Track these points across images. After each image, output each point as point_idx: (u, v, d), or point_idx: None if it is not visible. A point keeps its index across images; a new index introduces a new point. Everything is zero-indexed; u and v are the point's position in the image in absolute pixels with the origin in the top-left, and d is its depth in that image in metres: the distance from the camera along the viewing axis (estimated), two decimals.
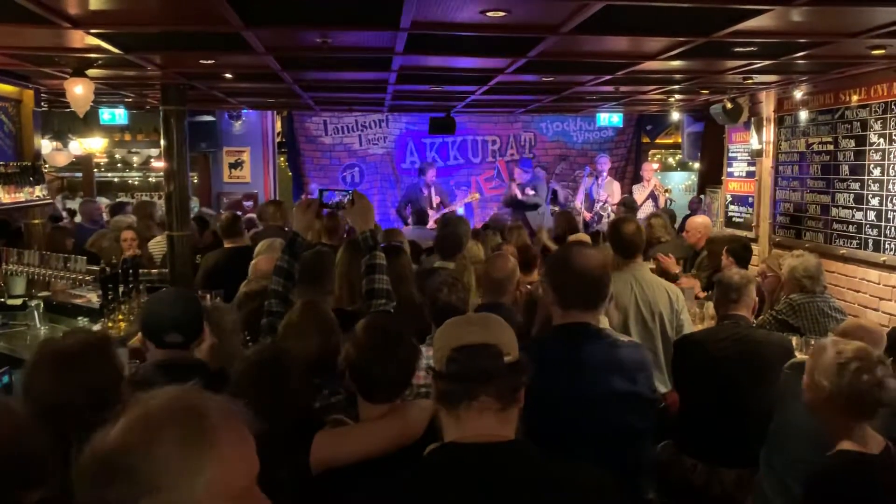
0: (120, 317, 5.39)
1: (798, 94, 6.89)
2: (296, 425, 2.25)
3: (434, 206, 10.19)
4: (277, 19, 4.07)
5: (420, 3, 3.64)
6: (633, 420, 2.39)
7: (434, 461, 1.64)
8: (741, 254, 5.63)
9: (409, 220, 10.23)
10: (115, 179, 15.52)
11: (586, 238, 6.39)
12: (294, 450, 2.17)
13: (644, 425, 2.45)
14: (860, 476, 2.19)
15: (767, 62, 5.37)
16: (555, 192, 11.26)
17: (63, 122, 11.25)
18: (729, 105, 7.73)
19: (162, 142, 6.85)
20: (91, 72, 5.74)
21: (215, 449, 1.06)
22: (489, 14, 3.83)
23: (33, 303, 5.50)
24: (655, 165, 12.38)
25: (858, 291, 6.19)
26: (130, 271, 5.62)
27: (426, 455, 1.67)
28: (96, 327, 5.01)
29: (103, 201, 11.19)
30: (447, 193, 10.77)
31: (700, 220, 6.93)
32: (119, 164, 15.29)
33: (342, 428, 2.28)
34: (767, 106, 7.68)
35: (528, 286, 5.16)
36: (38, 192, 6.53)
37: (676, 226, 8.51)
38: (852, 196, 6.28)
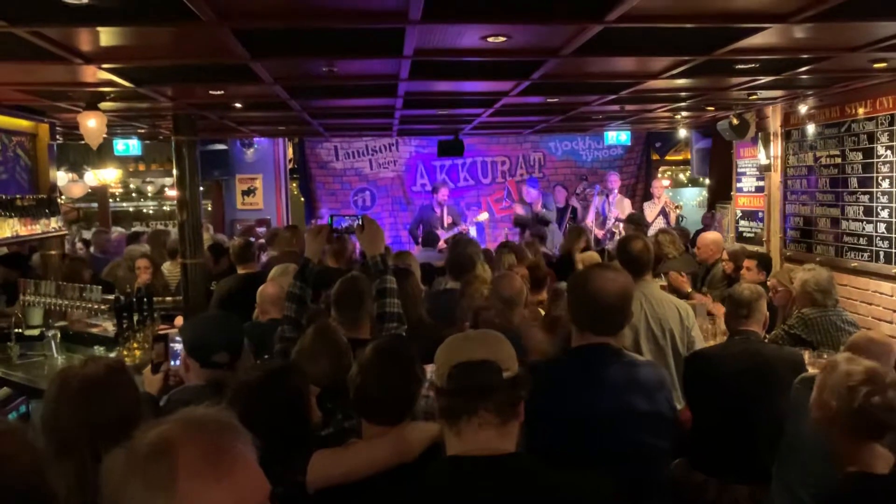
0: (135, 345, 5.46)
1: (804, 109, 6.90)
2: (295, 442, 2.28)
3: (445, 225, 10.23)
4: (283, 50, 4.15)
5: (422, 31, 3.71)
6: (652, 439, 2.38)
7: (434, 475, 1.68)
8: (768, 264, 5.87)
9: (420, 241, 10.29)
10: (131, 209, 15.69)
11: (595, 256, 6.40)
12: (292, 467, 2.19)
13: (664, 445, 2.44)
14: (867, 499, 2.17)
15: (770, 78, 5.40)
16: (574, 211, 11.28)
17: (78, 155, 11.45)
18: (735, 121, 7.74)
19: (174, 171, 6.94)
20: (103, 105, 5.85)
21: (177, 497, 1.11)
22: (490, 39, 3.89)
23: (50, 333, 5.56)
24: (666, 182, 12.37)
25: (871, 304, 6.15)
26: (144, 300, 5.70)
27: (427, 469, 1.71)
28: (112, 355, 5.07)
29: (119, 231, 11.31)
30: (459, 213, 10.82)
31: (711, 236, 6.93)
32: (134, 194, 15.46)
33: (338, 448, 2.30)
34: (774, 121, 7.69)
35: (538, 305, 5.19)
36: (54, 223, 6.62)
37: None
38: (862, 209, 6.27)
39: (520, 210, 10.46)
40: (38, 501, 1.63)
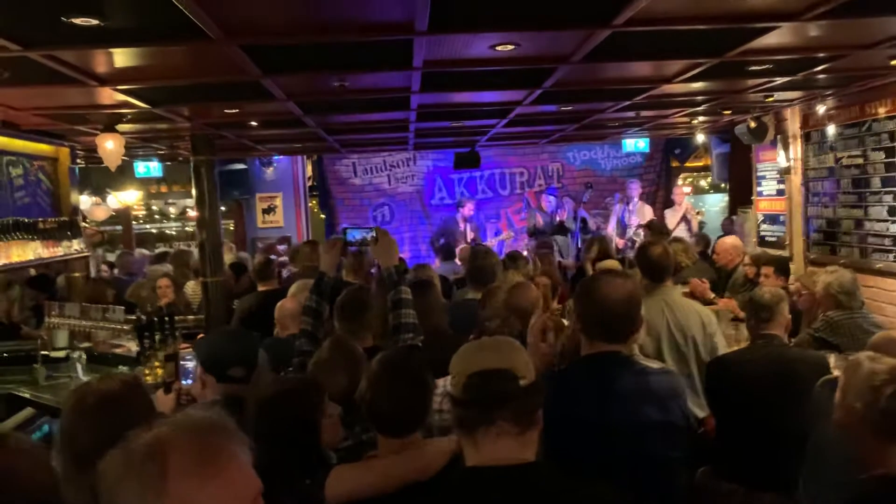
0: (157, 363, 5.48)
1: (823, 110, 6.81)
2: (307, 455, 2.27)
3: (468, 241, 10.22)
4: (293, 66, 4.18)
5: (430, 42, 3.71)
6: (665, 449, 2.33)
7: (453, 486, 1.66)
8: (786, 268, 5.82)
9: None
10: (154, 231, 15.89)
11: (615, 264, 6.35)
12: (302, 479, 2.18)
13: (677, 454, 2.38)
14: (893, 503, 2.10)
15: (786, 79, 5.33)
16: (584, 221, 11.20)
17: (101, 178, 11.61)
18: (753, 124, 7.67)
19: (193, 191, 7.01)
20: (122, 127, 5.93)
21: (168, 498, 1.14)
22: (499, 48, 3.88)
23: (75, 354, 5.61)
24: (687, 189, 12.27)
25: None
26: (166, 319, 5.74)
27: (445, 481, 1.70)
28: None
29: (142, 252, 11.44)
30: (480, 229, 10.80)
31: (729, 241, 6.85)
32: (157, 216, 15.66)
33: (357, 463, 2.29)
34: (793, 123, 7.60)
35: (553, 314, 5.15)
36: (76, 245, 6.72)
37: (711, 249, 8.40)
38: (885, 209, 6.16)
39: (539, 220, 10.40)
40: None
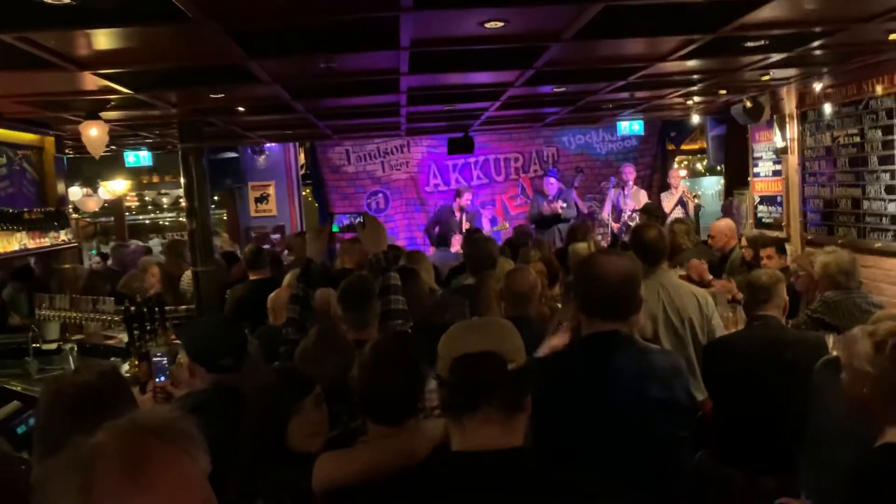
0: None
1: (819, 88, 6.73)
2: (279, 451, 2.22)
3: (462, 231, 10.14)
4: (279, 48, 4.09)
5: (417, 20, 3.62)
6: (670, 428, 2.27)
7: (438, 472, 1.61)
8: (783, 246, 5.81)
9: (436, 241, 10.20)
10: (147, 222, 15.80)
11: (584, 247, 6.33)
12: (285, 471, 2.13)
13: (683, 433, 2.33)
14: None
15: (782, 55, 5.24)
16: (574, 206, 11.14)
17: (91, 169, 11.52)
18: (749, 104, 7.59)
19: (182, 179, 6.91)
20: (107, 114, 5.83)
21: None
22: (488, 26, 3.79)
23: (67, 346, 5.57)
24: (683, 172, 12.20)
25: None
26: (156, 309, 5.66)
27: (430, 467, 1.67)
28: (125, 366, 5.04)
29: (136, 244, 11.36)
30: (477, 217, 10.73)
31: (724, 222, 6.80)
32: (150, 207, 15.58)
33: (342, 450, 2.24)
34: (789, 102, 7.53)
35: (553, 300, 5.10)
36: (64, 236, 6.64)
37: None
38: (883, 187, 6.08)
39: (546, 208, 10.27)
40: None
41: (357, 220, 3.45)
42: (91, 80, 4.61)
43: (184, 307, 6.95)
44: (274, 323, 4.56)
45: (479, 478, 1.52)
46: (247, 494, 2.11)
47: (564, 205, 10.18)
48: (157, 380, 3.35)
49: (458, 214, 10.25)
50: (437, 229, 10.33)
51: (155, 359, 3.45)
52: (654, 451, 2.22)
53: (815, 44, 4.85)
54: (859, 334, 2.20)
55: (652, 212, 8.45)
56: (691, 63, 5.41)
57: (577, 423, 2.19)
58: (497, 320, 1.77)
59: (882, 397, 2.11)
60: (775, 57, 5.34)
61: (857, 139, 6.42)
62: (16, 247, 6.00)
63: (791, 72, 6.35)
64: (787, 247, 7.43)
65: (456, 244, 9.21)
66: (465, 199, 10.37)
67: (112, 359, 5.57)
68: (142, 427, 1.13)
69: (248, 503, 2.09)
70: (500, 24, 3.76)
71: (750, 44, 4.76)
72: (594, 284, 2.34)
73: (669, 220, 8.87)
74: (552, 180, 10.47)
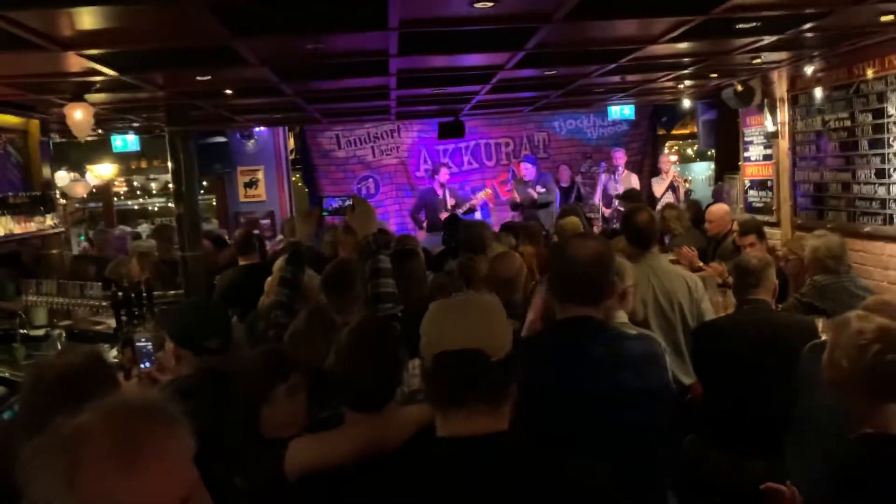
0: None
1: (810, 72, 6.70)
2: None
3: (448, 207, 10.09)
4: (263, 27, 4.01)
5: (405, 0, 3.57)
6: (643, 417, 2.24)
7: (422, 456, 1.59)
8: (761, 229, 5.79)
9: (424, 225, 10.15)
10: (136, 207, 15.67)
11: (576, 222, 6.34)
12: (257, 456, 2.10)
13: (657, 421, 2.29)
14: (884, 460, 2.04)
15: (774, 38, 5.21)
16: (579, 190, 11.14)
17: (78, 154, 11.40)
18: (740, 88, 7.57)
19: (170, 163, 6.84)
20: (92, 97, 5.75)
21: (80, 492, 1.04)
22: (478, 6, 3.73)
23: (55, 332, 5.53)
24: (674, 157, 12.18)
25: (887, 269, 5.98)
26: (144, 294, 5.62)
27: (411, 451, 1.65)
28: (112, 352, 5.01)
29: (122, 229, 11.27)
30: (461, 195, 10.69)
31: (722, 208, 6.81)
32: (138, 192, 15.44)
33: (315, 434, 2.21)
34: (780, 86, 7.51)
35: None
36: (50, 221, 6.56)
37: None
38: (873, 171, 6.09)
39: (518, 194, 10.26)
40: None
41: (346, 203, 3.41)
42: (76, 62, 4.52)
43: (172, 292, 6.92)
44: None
45: (466, 461, 1.50)
46: (227, 473, 2.08)
47: (543, 189, 10.16)
48: (142, 366, 3.32)
49: (439, 192, 10.20)
50: (422, 213, 10.30)
51: (139, 344, 3.42)
52: (628, 440, 2.19)
53: (807, 26, 4.82)
54: (851, 325, 2.18)
55: (633, 197, 8.39)
56: (683, 45, 5.36)
57: (551, 409, 2.17)
58: (479, 299, 1.70)
59: (855, 393, 2.13)
60: (767, 39, 5.31)
61: (848, 123, 6.41)
62: (1, 232, 5.93)
63: (782, 55, 6.33)
64: (776, 231, 7.46)
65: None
66: (443, 175, 10.35)
67: (100, 344, 5.54)
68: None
69: (227, 481, 2.06)
70: (491, 4, 3.71)
71: (742, 25, 4.73)
72: (564, 268, 2.32)
73: (660, 205, 8.87)
74: (528, 165, 10.45)
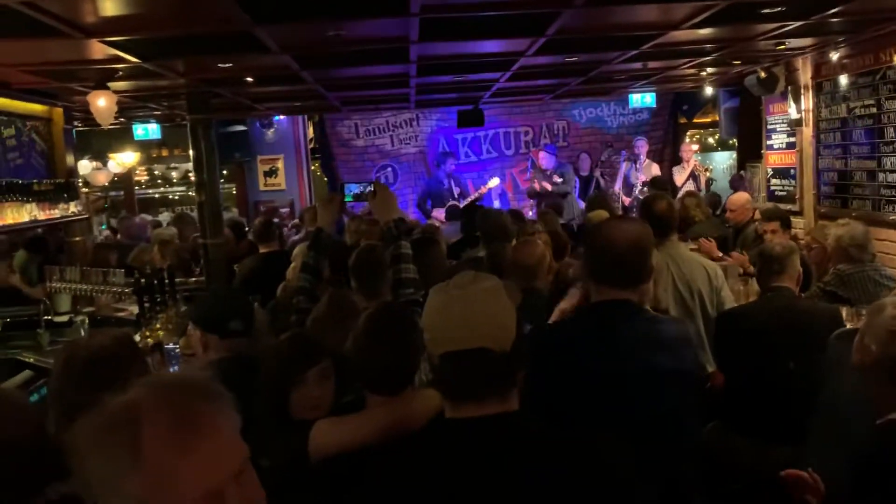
0: (157, 325, 5.44)
1: (835, 58, 6.61)
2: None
3: (455, 196, 10.10)
4: (286, 14, 4.02)
5: None
6: (677, 398, 2.23)
7: (438, 436, 1.59)
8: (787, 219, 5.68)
9: (432, 214, 10.15)
10: (156, 196, 15.79)
11: (605, 214, 6.27)
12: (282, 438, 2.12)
13: (690, 403, 2.29)
14: None
15: (799, 23, 5.14)
16: (597, 180, 11.09)
17: (101, 143, 11.52)
18: (763, 74, 7.48)
19: (191, 151, 6.89)
20: (115, 85, 5.80)
21: (142, 468, 1.04)
22: None
23: (78, 319, 5.60)
24: (695, 146, 12.08)
25: None
26: (166, 280, 5.68)
27: (425, 432, 1.65)
28: (136, 337, 5.07)
29: (143, 217, 11.39)
30: (464, 183, 10.71)
31: (743, 197, 6.73)
32: (159, 181, 15.56)
33: (339, 417, 2.22)
34: (804, 73, 7.40)
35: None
36: (73, 208, 6.64)
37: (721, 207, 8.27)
38: None
39: (537, 185, 10.23)
40: (36, 464, 1.64)
41: (368, 189, 3.40)
42: (99, 49, 4.56)
43: (193, 279, 6.98)
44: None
45: (480, 439, 1.51)
46: (253, 455, 2.10)
47: (560, 179, 10.11)
48: (171, 370, 3.38)
49: (445, 182, 10.22)
50: (429, 202, 10.32)
51: (168, 347, 3.47)
52: (662, 421, 2.18)
53: (833, 10, 4.75)
54: (886, 311, 2.15)
55: (660, 185, 8.36)
56: (705, 31, 5.30)
57: (584, 392, 2.16)
58: (480, 287, 1.61)
59: (882, 378, 2.11)
60: (792, 25, 5.23)
61: (874, 110, 6.31)
62: (26, 218, 6.02)
63: (807, 41, 6.24)
64: (799, 220, 7.38)
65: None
66: (449, 164, 10.33)
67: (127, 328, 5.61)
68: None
69: (253, 463, 2.09)
70: None
71: (766, 10, 4.67)
72: (603, 251, 2.29)
73: (681, 194, 8.81)
74: (547, 154, 10.40)
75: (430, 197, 10.27)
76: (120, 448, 1.04)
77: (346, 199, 3.56)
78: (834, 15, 4.92)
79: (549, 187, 10.00)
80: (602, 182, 11.09)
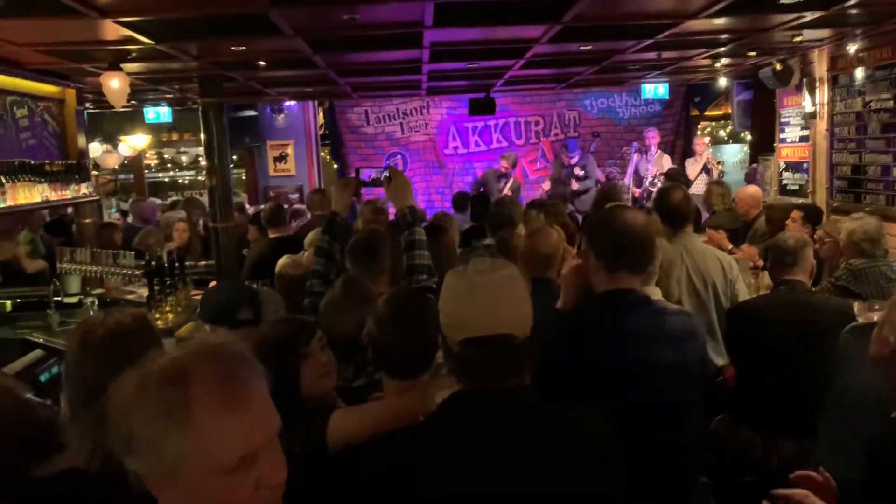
0: (167, 308, 5.46)
1: (853, 51, 6.55)
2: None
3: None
4: None
5: None
6: (679, 391, 2.23)
7: (450, 411, 1.62)
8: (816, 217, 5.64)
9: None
10: (166, 179, 15.81)
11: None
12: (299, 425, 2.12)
13: (692, 398, 2.28)
14: None
15: (817, 14, 5.08)
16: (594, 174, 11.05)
17: (111, 125, 11.53)
18: (779, 66, 7.41)
19: (202, 135, 6.90)
20: (128, 66, 5.80)
21: (190, 425, 1.06)
22: None
23: (88, 300, 5.62)
24: (707, 139, 12.01)
25: None
26: (176, 264, 5.69)
27: (438, 405, 1.66)
28: None
29: (154, 201, 11.41)
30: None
31: (751, 189, 6.69)
32: (169, 165, 15.57)
33: (357, 406, 2.23)
34: (820, 65, 7.34)
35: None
36: (85, 189, 6.65)
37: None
38: None
39: (562, 174, 10.18)
40: (25, 439, 1.65)
41: (383, 175, 3.38)
42: (112, 29, 4.55)
43: (203, 262, 7.01)
44: None
45: (492, 410, 1.57)
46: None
47: (582, 172, 10.06)
48: None
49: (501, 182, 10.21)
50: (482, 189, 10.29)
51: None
52: (660, 413, 2.19)
53: (853, 2, 4.69)
54: None
55: (675, 177, 8.32)
56: (722, 21, 5.26)
57: (588, 381, 2.17)
58: (501, 275, 1.63)
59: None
60: (810, 16, 5.18)
61: (890, 104, 6.27)
62: (37, 198, 6.03)
63: (824, 33, 6.19)
64: None
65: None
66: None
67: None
68: (222, 350, 1.15)
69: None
70: None
71: (784, 1, 4.62)
72: (618, 236, 2.29)
73: (694, 187, 8.77)
74: (572, 154, 10.37)
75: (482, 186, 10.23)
76: (169, 404, 1.06)
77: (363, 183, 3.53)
78: (853, 6, 4.87)
79: (575, 185, 9.99)
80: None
